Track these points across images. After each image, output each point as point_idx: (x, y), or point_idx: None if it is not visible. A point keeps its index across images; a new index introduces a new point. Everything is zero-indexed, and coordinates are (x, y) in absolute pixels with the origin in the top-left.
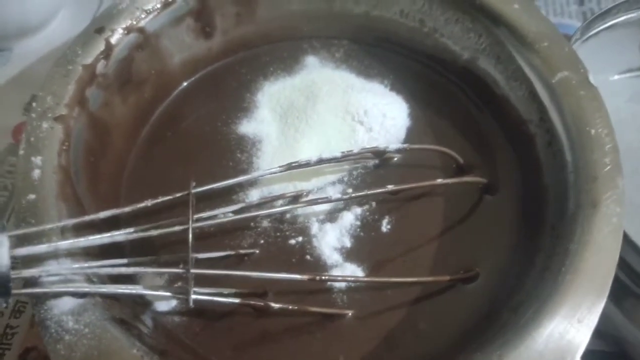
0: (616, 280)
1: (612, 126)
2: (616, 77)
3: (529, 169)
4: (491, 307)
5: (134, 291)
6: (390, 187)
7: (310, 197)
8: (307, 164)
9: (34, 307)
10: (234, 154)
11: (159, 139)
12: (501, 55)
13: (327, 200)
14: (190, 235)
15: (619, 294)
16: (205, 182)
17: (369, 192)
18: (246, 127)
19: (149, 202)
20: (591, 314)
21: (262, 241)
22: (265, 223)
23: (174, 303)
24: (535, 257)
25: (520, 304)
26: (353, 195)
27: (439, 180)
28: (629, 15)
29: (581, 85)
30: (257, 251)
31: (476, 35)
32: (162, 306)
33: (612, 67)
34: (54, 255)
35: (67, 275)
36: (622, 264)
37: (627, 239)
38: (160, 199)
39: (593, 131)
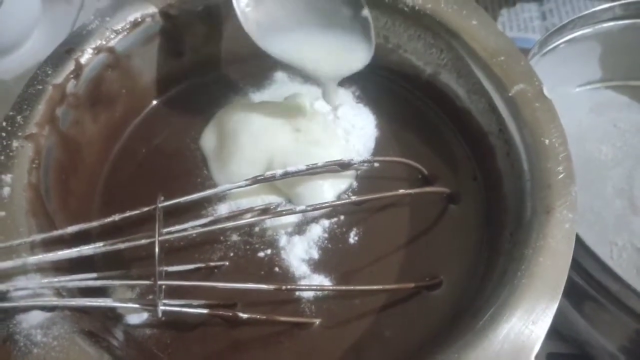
0: (575, 286)
1: (565, 136)
2: (577, 89)
3: (490, 178)
4: (454, 312)
5: (102, 303)
6: (354, 198)
7: (279, 210)
8: (273, 178)
9: (2, 322)
10: (201, 170)
11: (130, 156)
12: (462, 70)
13: (291, 211)
14: (157, 248)
15: (579, 298)
16: (174, 198)
17: (332, 203)
18: None
19: (116, 217)
20: (545, 316)
21: (231, 254)
22: (235, 237)
23: (145, 316)
24: (495, 264)
25: (481, 308)
26: (317, 206)
27: (401, 191)
28: (585, 30)
29: (536, 97)
30: (227, 263)
31: (438, 51)
32: (134, 319)
33: (573, 80)
34: (23, 270)
35: (36, 289)
36: (579, 269)
37: (582, 245)
38: (127, 213)
39: (547, 141)
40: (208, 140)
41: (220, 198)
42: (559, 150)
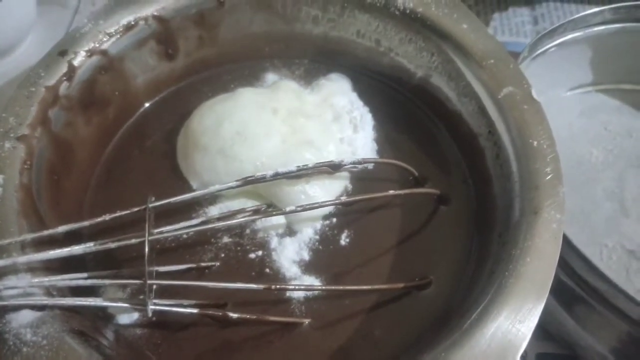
0: (565, 286)
1: (553, 138)
2: (568, 93)
3: (480, 180)
4: (443, 312)
5: (93, 303)
6: (343, 198)
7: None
8: (263, 178)
9: None
10: None
11: (122, 158)
12: (452, 73)
13: (282, 212)
14: (147, 247)
15: (569, 299)
16: (165, 199)
17: (322, 203)
18: None
19: (107, 217)
20: (532, 315)
21: (222, 255)
22: (226, 238)
23: (135, 316)
24: (484, 264)
25: (469, 308)
26: (307, 206)
27: (391, 192)
28: (575, 34)
29: (525, 99)
30: (218, 264)
31: (429, 54)
32: (124, 319)
33: (564, 84)
34: (13, 270)
35: (26, 288)
36: (568, 270)
37: (571, 246)
38: (118, 213)
39: (535, 143)
40: (179, 151)
41: (211, 201)
42: (547, 151)
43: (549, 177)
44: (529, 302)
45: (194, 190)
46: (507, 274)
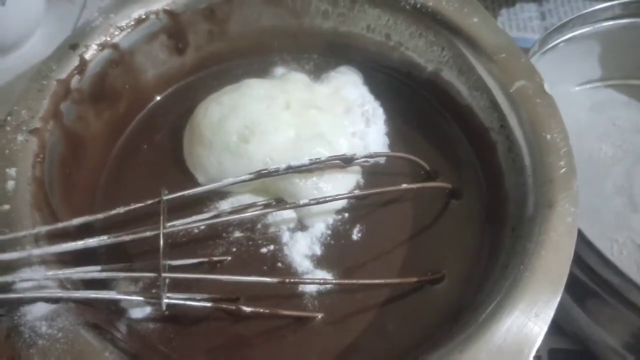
0: (577, 281)
1: (566, 131)
2: (577, 88)
3: (492, 174)
4: (457, 306)
5: (107, 296)
6: (356, 192)
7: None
8: (276, 172)
9: (8, 313)
10: None
11: (132, 152)
12: (463, 67)
13: (296, 205)
14: (162, 241)
15: (581, 294)
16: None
17: (335, 196)
18: None
19: (121, 209)
20: (548, 308)
21: (234, 249)
22: (237, 233)
23: (148, 310)
24: (497, 258)
25: (483, 302)
26: (321, 200)
27: (404, 185)
28: (585, 29)
29: (537, 93)
30: (229, 258)
31: (439, 48)
32: (137, 313)
33: (573, 79)
34: (28, 262)
35: (41, 281)
36: (582, 265)
37: (584, 239)
38: (132, 206)
39: (549, 136)
40: (185, 146)
41: (222, 196)
42: (560, 145)
43: (563, 170)
44: (544, 296)
45: (200, 186)
46: (522, 268)
